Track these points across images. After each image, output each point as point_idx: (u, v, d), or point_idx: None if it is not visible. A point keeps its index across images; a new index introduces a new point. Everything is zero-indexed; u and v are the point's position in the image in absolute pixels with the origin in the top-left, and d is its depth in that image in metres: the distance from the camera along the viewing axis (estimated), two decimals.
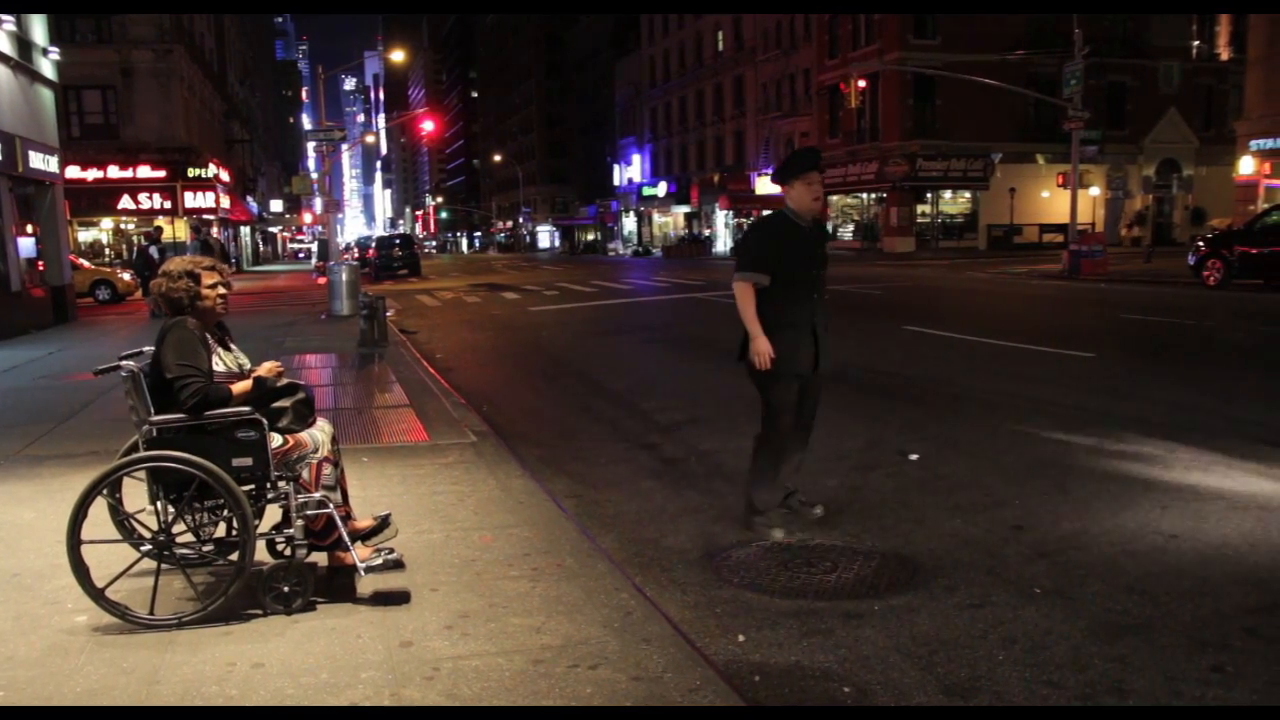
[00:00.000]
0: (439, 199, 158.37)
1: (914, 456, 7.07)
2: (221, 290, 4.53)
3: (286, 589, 4.21)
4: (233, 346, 4.65)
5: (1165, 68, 41.81)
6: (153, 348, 4.40)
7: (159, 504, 4.21)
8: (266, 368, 4.51)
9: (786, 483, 5.67)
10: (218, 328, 4.60)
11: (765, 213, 5.40)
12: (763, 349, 5.25)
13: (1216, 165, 44.15)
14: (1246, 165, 31.67)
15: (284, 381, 4.49)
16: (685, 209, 71.58)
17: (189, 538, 4.39)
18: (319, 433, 4.53)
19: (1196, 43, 49.59)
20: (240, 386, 4.35)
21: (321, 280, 28.98)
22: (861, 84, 32.83)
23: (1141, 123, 47.88)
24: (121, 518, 4.59)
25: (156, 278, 4.49)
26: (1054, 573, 4.78)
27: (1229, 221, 29.14)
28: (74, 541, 4.05)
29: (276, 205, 77.71)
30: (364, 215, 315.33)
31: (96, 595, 4.10)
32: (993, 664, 3.85)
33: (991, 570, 4.84)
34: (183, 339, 4.22)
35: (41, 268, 20.31)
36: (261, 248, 75.74)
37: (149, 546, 4.33)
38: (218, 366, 4.38)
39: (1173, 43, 47.47)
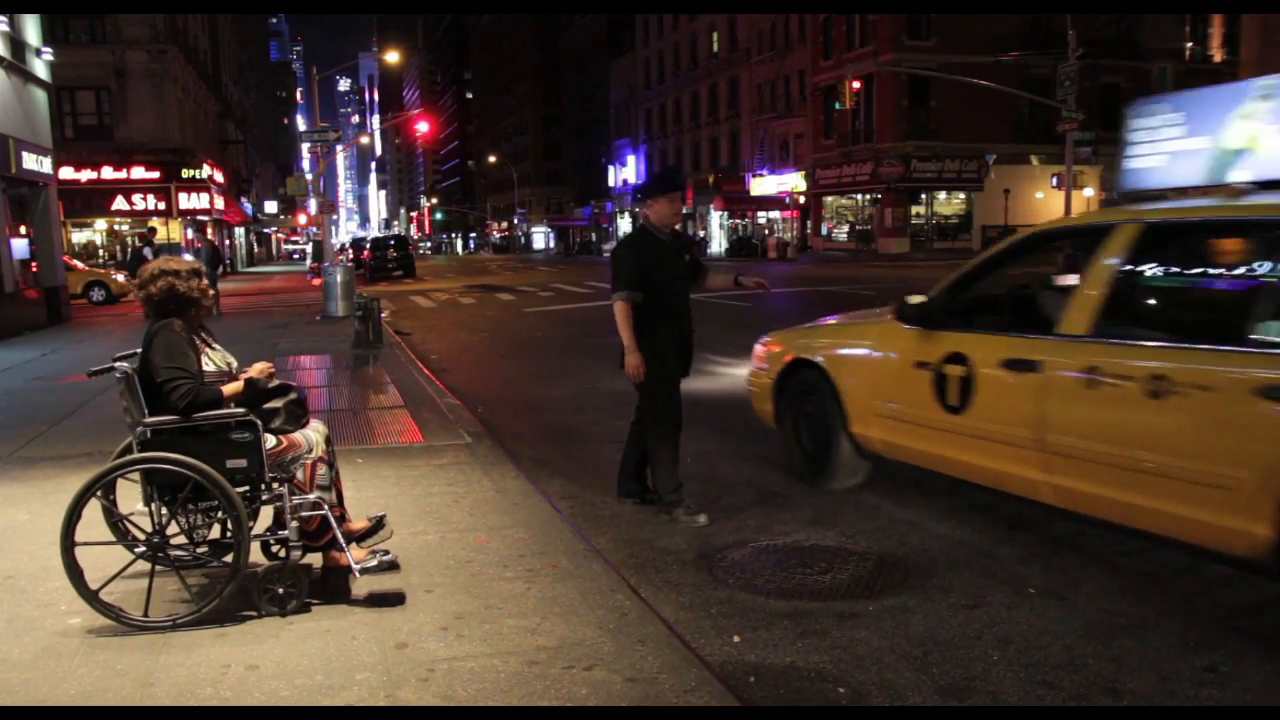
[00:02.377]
0: (434, 200, 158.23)
1: None
2: (211, 291, 4.56)
3: (281, 590, 4.21)
4: (217, 345, 4.63)
5: (1159, 69, 41.90)
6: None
7: (153, 506, 4.20)
8: (258, 369, 4.50)
9: (646, 481, 6.15)
10: (200, 328, 4.58)
11: (629, 230, 5.73)
12: (634, 363, 5.72)
13: None
14: None
15: (276, 382, 4.49)
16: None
17: (183, 539, 4.39)
18: (313, 433, 4.53)
19: (1190, 44, 49.73)
20: (232, 388, 4.35)
21: (316, 281, 28.96)
22: (856, 85, 32.87)
23: None
24: (116, 519, 4.58)
25: (159, 278, 4.38)
26: (1048, 573, 4.79)
27: None
28: (68, 543, 4.04)
29: (271, 206, 77.52)
30: (358, 216, 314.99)
31: (90, 597, 4.09)
32: (988, 664, 3.85)
33: (987, 570, 4.85)
34: (171, 341, 4.21)
35: (35, 269, 20.27)
36: (256, 249, 75.62)
37: (143, 548, 4.32)
38: (208, 366, 4.37)
39: (1166, 44, 47.57)
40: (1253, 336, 3.94)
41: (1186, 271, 4.78)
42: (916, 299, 5.50)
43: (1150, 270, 4.70)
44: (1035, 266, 6.18)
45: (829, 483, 6.23)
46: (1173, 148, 5.04)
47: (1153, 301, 4.79)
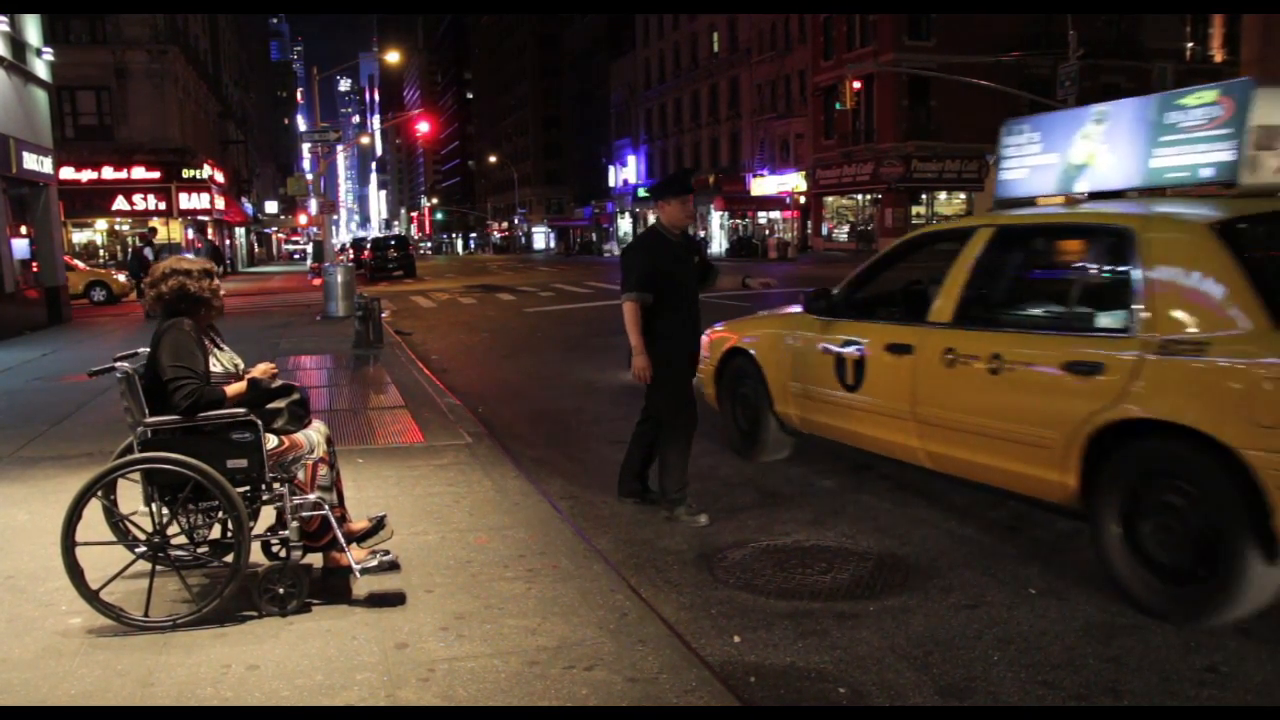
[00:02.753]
0: (434, 200, 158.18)
1: None
2: (223, 293, 4.57)
3: (282, 591, 4.21)
4: (225, 347, 4.64)
5: (1159, 69, 41.85)
6: (148, 349, 4.39)
7: (154, 506, 4.20)
8: (261, 369, 4.51)
9: (652, 482, 6.12)
10: (210, 328, 4.60)
11: (639, 231, 5.81)
12: (640, 365, 5.75)
13: None
14: None
15: (278, 383, 4.49)
16: None
17: (184, 539, 4.39)
18: (314, 433, 4.53)
19: (1190, 44, 49.68)
20: (235, 388, 4.35)
21: (317, 281, 28.96)
22: (856, 85, 32.85)
23: None
24: (116, 519, 4.59)
25: (170, 277, 4.38)
26: (1048, 573, 4.79)
27: None
28: (68, 543, 4.04)
29: (271, 206, 77.49)
30: (359, 217, 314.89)
31: (91, 597, 4.09)
32: (988, 664, 3.86)
33: (987, 570, 4.85)
34: (179, 341, 4.22)
35: (36, 269, 20.27)
36: (256, 249, 75.62)
37: (144, 548, 4.33)
38: (215, 368, 4.38)
39: (1166, 44, 47.48)
40: (1064, 321, 4.81)
41: (1027, 267, 5.62)
42: (821, 293, 6.37)
43: (1000, 267, 5.45)
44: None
45: (760, 456, 7.09)
46: (1032, 162, 5.98)
47: (1001, 292, 5.48)
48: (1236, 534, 3.87)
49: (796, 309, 6.78)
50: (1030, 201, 5.82)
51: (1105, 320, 4.57)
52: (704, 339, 7.58)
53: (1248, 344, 3.93)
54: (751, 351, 6.99)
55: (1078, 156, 5.65)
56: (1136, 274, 4.38)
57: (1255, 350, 3.89)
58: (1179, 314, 4.22)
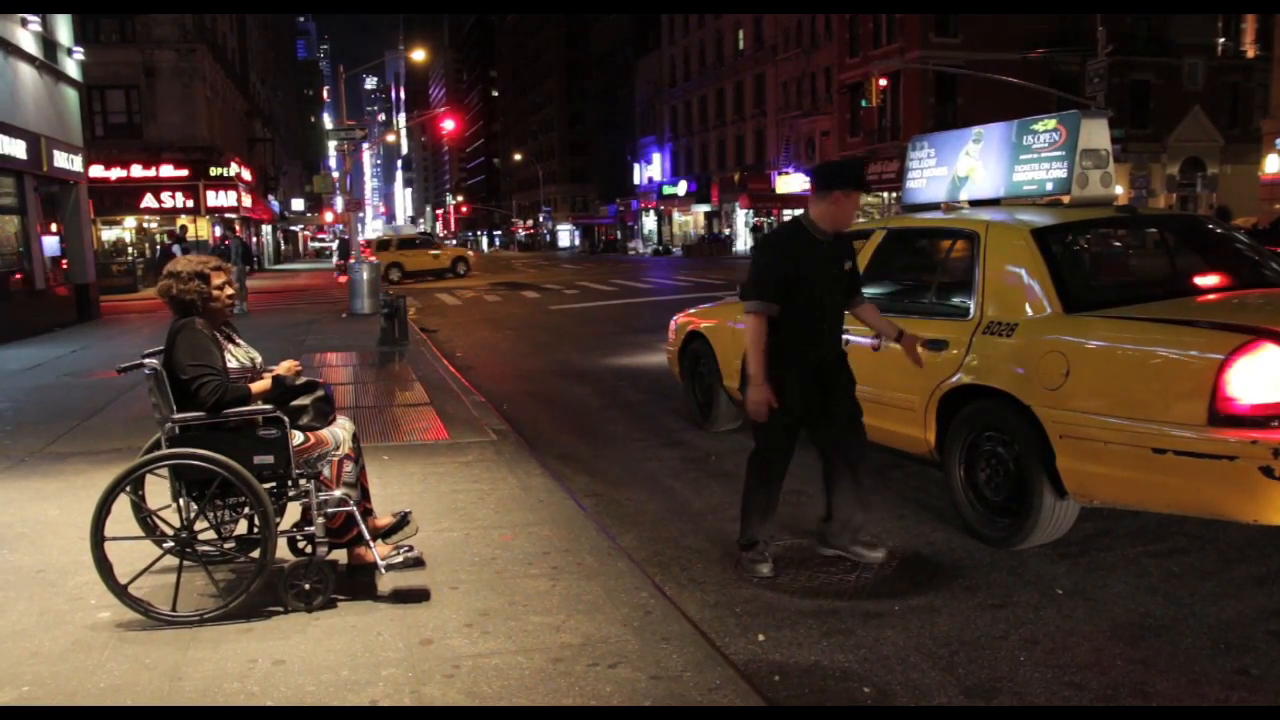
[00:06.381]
0: (459, 198, 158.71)
1: None
2: (229, 290, 4.55)
3: (307, 586, 4.23)
4: (240, 342, 4.65)
5: (1190, 65, 41.48)
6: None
7: (181, 501, 4.23)
8: (285, 366, 4.53)
9: (847, 520, 4.99)
10: (224, 325, 4.60)
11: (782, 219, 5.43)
12: (757, 399, 4.63)
13: (1242, 164, 43.66)
14: (1272, 163, 31.38)
15: (303, 379, 4.51)
16: (705, 208, 71.50)
17: (211, 535, 4.42)
18: (340, 430, 4.54)
19: (1222, 40, 49.04)
20: (259, 385, 4.37)
21: (342, 279, 29.11)
22: (882, 83, 32.65)
23: (1165, 121, 47.40)
24: (144, 515, 4.61)
25: (163, 279, 4.43)
26: (1076, 573, 4.75)
27: (1254, 220, 28.81)
28: (97, 538, 4.08)
29: (298, 204, 77.90)
30: (384, 215, 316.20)
31: (119, 592, 4.13)
32: (1014, 665, 3.83)
33: (1013, 570, 4.81)
34: (194, 340, 4.23)
35: (65, 266, 20.48)
36: (283, 246, 76.06)
37: (171, 543, 4.35)
38: (231, 363, 4.38)
39: (1197, 40, 46.98)
40: (927, 306, 5.72)
41: (908, 261, 6.52)
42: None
43: (889, 261, 6.36)
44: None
45: (714, 427, 8.07)
46: (929, 174, 7.03)
47: (889, 284, 6.32)
48: (1035, 475, 4.79)
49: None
50: (934, 206, 6.72)
51: (955, 306, 5.54)
52: (671, 324, 8.74)
53: (1042, 325, 4.92)
54: (706, 335, 7.95)
55: (962, 170, 6.73)
56: (977, 268, 5.38)
57: (1045, 330, 4.88)
58: (1002, 300, 5.21)
